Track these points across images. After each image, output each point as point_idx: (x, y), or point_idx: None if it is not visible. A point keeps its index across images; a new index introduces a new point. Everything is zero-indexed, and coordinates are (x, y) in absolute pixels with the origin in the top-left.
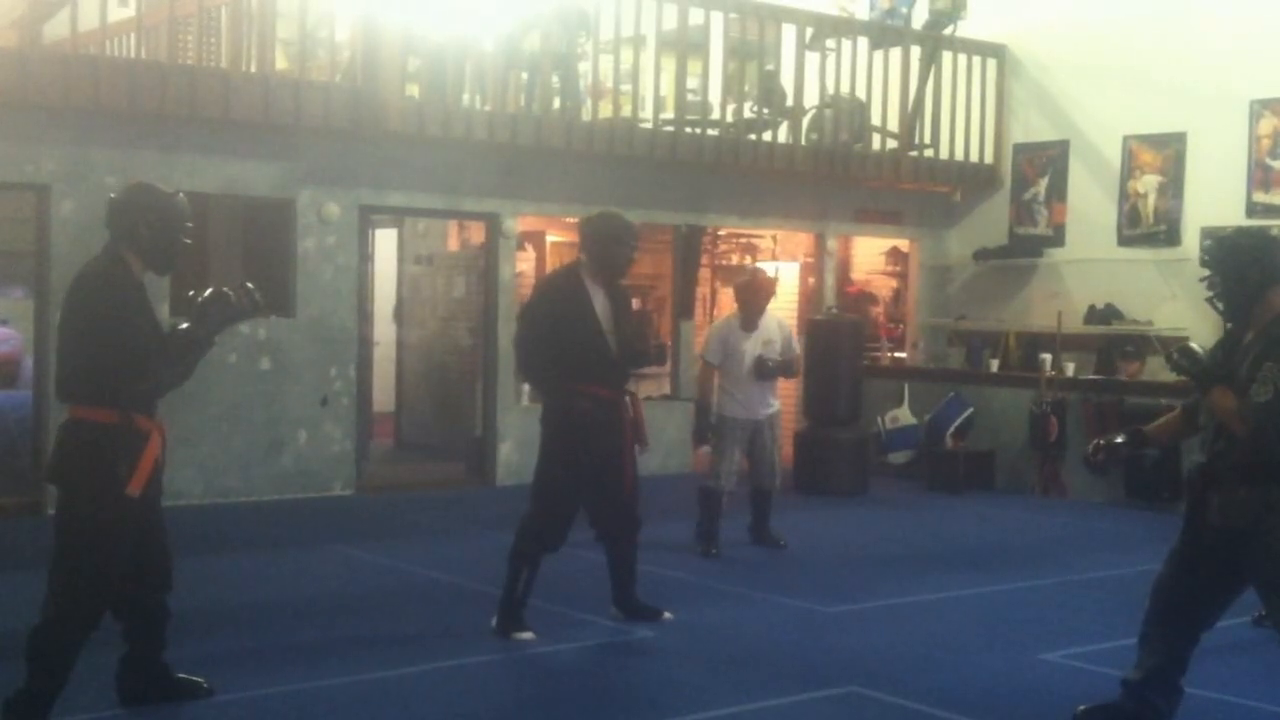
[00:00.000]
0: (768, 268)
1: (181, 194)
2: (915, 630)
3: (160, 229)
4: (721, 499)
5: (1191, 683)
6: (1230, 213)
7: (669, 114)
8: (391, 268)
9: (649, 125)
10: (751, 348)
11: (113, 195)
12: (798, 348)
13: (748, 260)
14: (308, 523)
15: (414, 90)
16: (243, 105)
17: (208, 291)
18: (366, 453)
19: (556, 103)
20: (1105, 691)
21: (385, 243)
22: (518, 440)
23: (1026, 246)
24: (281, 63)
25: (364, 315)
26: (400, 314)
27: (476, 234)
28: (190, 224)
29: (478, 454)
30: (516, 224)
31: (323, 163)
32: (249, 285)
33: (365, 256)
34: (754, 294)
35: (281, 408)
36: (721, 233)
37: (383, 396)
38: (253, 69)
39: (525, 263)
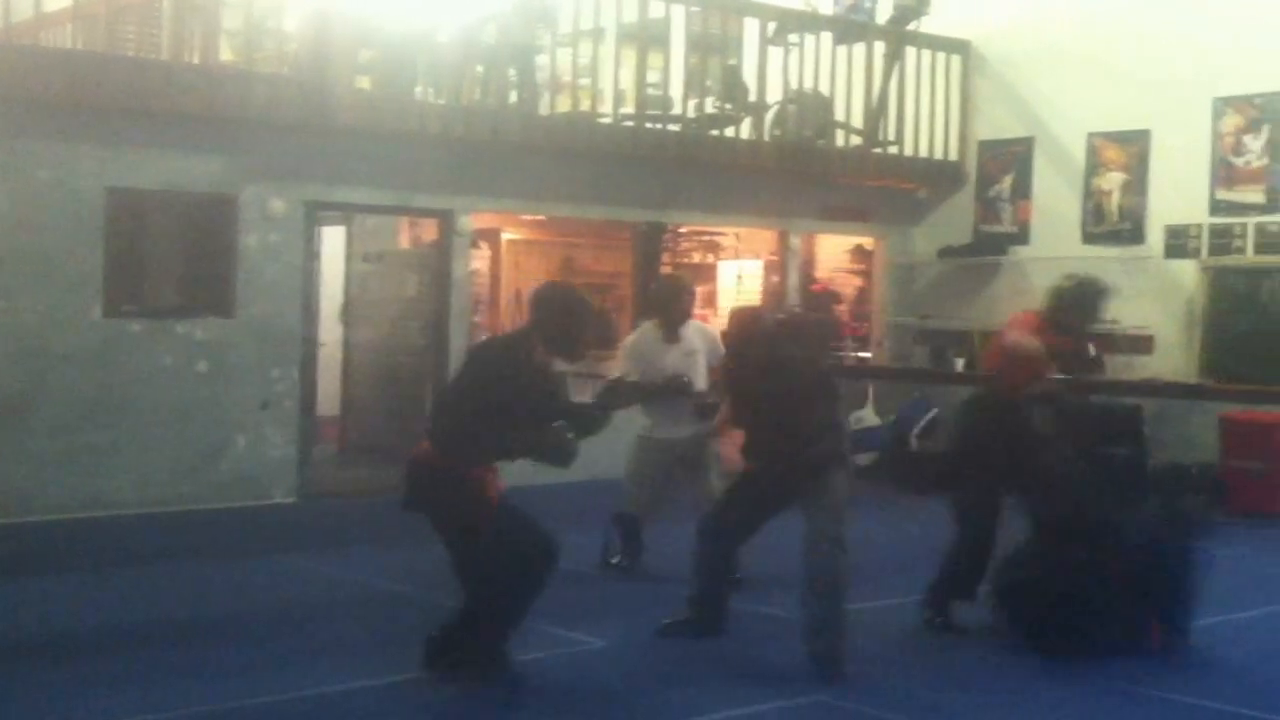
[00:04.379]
0: (731, 266)
1: (588, 300)
2: (883, 635)
3: (570, 328)
4: (639, 523)
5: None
6: (1194, 210)
7: (629, 109)
8: (340, 266)
9: (609, 120)
10: (673, 361)
11: (554, 286)
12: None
13: (709, 258)
14: (247, 531)
15: (365, 83)
16: (186, 97)
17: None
18: (310, 458)
19: (514, 96)
20: (1080, 691)
21: (333, 240)
22: None
23: (991, 244)
24: (227, 54)
25: (309, 315)
26: (348, 314)
27: (429, 231)
28: (590, 324)
29: None
30: (471, 221)
31: (269, 157)
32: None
33: (311, 254)
34: (674, 299)
35: (220, 412)
36: (683, 230)
37: (329, 399)
38: (196, 60)
39: (480, 261)
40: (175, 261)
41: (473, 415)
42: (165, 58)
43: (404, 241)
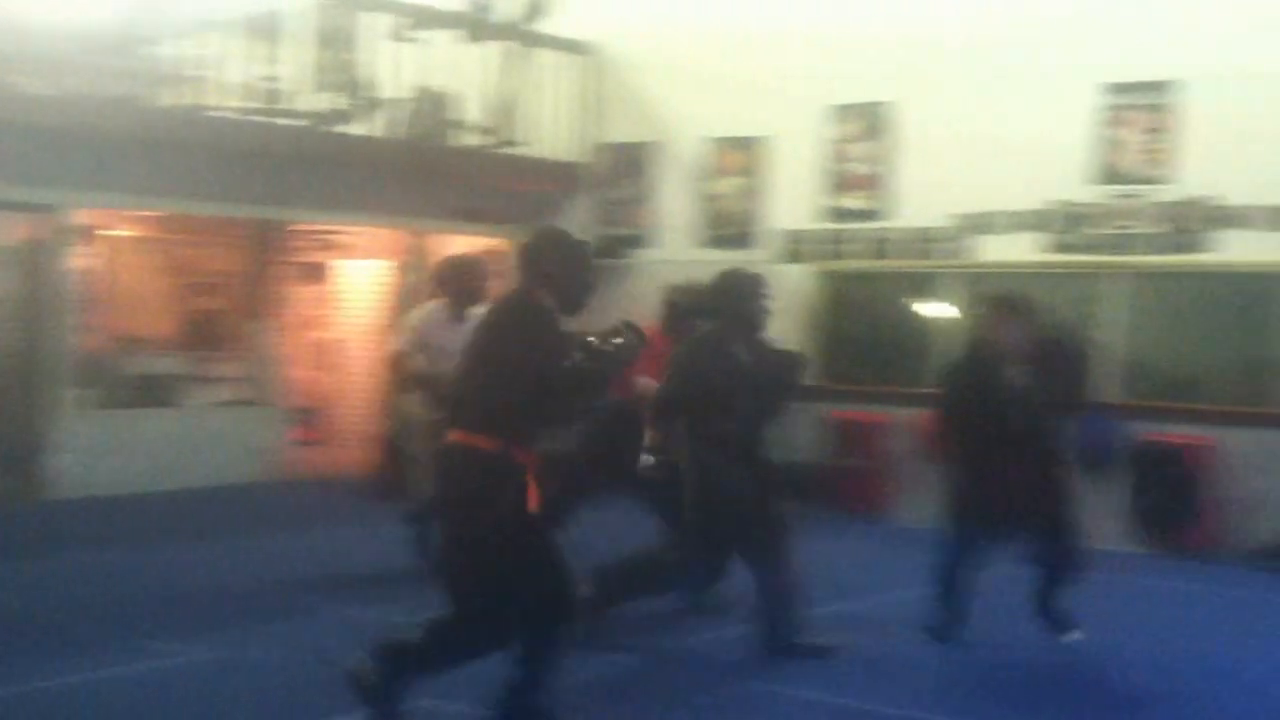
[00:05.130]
0: (351, 266)
1: (587, 240)
2: None
3: (571, 274)
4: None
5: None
6: (808, 215)
7: (247, 102)
8: None
9: (225, 113)
10: (464, 341)
11: (550, 234)
12: None
13: (327, 258)
14: None
15: None
16: None
17: (617, 340)
18: None
19: (124, 86)
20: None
21: None
22: (77, 450)
23: (615, 247)
24: None
25: None
26: None
27: (28, 227)
28: (595, 266)
29: (25, 465)
30: (76, 216)
31: None
32: (632, 323)
33: None
34: (466, 274)
35: None
36: (302, 229)
37: None
38: None
39: (83, 258)
40: None
41: (517, 383)
42: None
43: (2, 238)
